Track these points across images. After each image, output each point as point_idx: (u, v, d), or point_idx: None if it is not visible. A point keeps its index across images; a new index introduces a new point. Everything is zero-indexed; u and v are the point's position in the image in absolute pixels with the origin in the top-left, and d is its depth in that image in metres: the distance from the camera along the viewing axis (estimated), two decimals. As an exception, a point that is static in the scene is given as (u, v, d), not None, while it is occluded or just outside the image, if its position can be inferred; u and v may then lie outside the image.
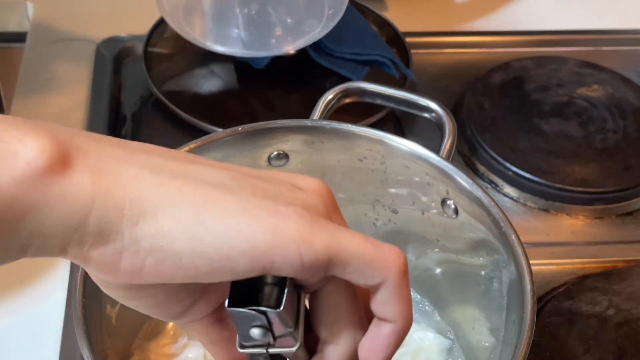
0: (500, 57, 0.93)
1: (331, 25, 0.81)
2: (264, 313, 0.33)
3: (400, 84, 0.86)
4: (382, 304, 0.35)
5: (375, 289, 0.34)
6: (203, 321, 0.38)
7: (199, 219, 0.32)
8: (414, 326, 0.63)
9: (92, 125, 0.82)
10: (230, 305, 0.34)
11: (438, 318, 0.65)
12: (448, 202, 0.60)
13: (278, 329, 0.34)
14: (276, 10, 0.83)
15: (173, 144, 0.60)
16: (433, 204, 0.61)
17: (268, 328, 0.34)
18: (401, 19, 0.99)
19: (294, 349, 0.35)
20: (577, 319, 0.67)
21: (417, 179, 0.61)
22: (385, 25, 0.94)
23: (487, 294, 0.59)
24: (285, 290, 0.34)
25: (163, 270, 0.32)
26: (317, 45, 0.85)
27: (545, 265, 0.72)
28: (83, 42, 0.92)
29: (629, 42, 0.99)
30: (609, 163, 0.81)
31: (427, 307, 0.66)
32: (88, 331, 0.50)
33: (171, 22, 0.81)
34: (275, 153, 0.63)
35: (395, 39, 0.93)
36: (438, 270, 0.64)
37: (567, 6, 1.04)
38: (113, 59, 0.90)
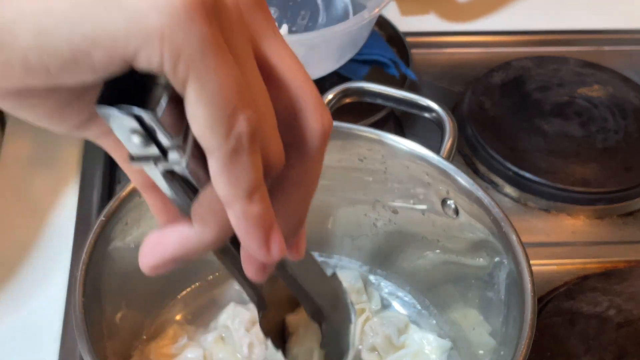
0: (501, 57, 0.93)
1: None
2: (138, 117, 0.29)
3: (400, 84, 0.86)
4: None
5: None
6: (113, 137, 0.32)
7: (46, 5, 0.27)
8: (413, 327, 0.64)
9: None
10: (99, 102, 0.29)
11: (438, 319, 0.65)
12: (448, 202, 0.60)
13: (161, 138, 0.29)
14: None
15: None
16: (433, 204, 0.61)
17: (147, 136, 0.29)
18: (401, 19, 0.99)
19: (181, 163, 0.30)
20: (577, 319, 0.67)
21: (417, 179, 0.61)
22: (385, 25, 0.94)
23: (487, 295, 0.59)
24: (162, 93, 0.29)
25: (11, 73, 0.28)
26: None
27: (546, 265, 0.72)
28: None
29: (629, 41, 0.99)
30: (609, 163, 0.81)
31: (427, 308, 0.66)
32: (88, 331, 0.50)
33: None
34: (275, 153, 0.63)
35: (395, 38, 0.92)
36: (438, 271, 0.64)
37: (567, 6, 1.04)
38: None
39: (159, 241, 0.34)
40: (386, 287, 0.68)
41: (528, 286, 0.52)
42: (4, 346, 0.64)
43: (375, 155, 0.62)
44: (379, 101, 0.70)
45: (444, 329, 0.64)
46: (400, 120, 0.85)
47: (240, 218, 0.30)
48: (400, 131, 0.84)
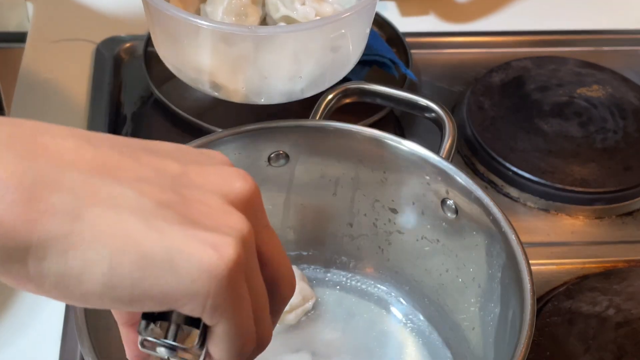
0: (500, 57, 0.93)
1: None
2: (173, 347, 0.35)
3: (400, 84, 0.86)
4: None
5: None
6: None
7: (114, 264, 0.31)
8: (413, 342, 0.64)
9: (92, 125, 0.82)
10: (144, 317, 0.35)
11: (437, 318, 0.65)
12: (448, 202, 0.60)
13: (181, 350, 0.35)
14: None
15: (173, 144, 0.60)
16: (433, 204, 0.61)
17: (171, 347, 0.35)
18: (401, 19, 0.99)
19: None
20: (577, 318, 0.67)
21: (416, 179, 0.61)
22: (385, 25, 0.94)
23: (486, 294, 0.59)
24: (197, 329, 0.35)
25: (69, 300, 0.33)
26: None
27: (545, 265, 0.72)
28: (83, 42, 0.92)
29: (629, 42, 0.99)
30: (609, 163, 0.81)
31: (426, 307, 0.66)
32: (88, 331, 0.50)
33: None
34: (275, 153, 0.63)
35: (395, 39, 0.93)
36: (437, 271, 0.64)
37: (567, 6, 1.04)
38: (113, 59, 0.90)
39: None
40: (385, 286, 0.68)
41: (527, 286, 0.52)
42: (5, 346, 0.64)
43: (375, 156, 0.62)
44: (379, 101, 0.70)
45: (444, 328, 0.65)
46: (399, 121, 0.85)
47: None
48: (400, 131, 0.84)
